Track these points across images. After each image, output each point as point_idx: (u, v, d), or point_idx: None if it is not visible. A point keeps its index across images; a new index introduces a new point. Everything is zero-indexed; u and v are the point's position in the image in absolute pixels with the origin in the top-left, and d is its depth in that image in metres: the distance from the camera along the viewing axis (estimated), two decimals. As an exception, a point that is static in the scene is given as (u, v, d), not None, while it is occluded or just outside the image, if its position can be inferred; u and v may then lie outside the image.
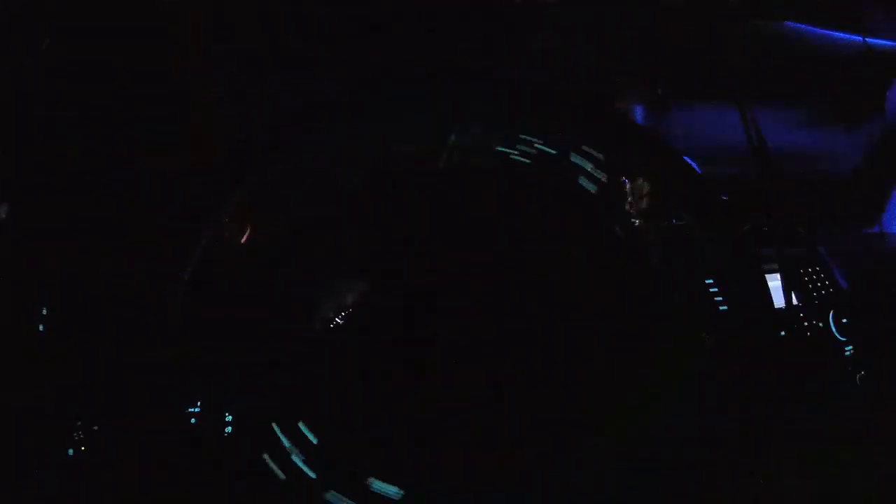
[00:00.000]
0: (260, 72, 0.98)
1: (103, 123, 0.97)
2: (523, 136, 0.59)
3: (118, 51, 0.95)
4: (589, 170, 0.60)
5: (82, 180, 0.93)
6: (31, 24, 0.91)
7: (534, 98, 0.54)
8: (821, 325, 0.95)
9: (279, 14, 0.94)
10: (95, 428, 0.76)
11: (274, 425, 0.58)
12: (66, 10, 0.92)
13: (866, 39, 1.16)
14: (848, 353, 0.97)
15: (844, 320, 0.96)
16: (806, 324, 0.94)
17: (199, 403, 0.67)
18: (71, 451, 0.75)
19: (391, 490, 0.52)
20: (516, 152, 0.61)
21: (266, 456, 0.58)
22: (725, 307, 0.81)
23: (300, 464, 0.56)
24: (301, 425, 0.54)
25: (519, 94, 0.54)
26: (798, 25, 1.09)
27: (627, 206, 0.86)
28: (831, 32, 1.15)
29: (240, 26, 0.98)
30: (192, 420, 0.67)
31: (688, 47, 0.99)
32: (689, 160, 0.97)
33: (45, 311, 0.81)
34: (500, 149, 0.64)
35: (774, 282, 0.92)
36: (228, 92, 0.97)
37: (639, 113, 1.02)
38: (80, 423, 0.76)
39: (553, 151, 0.61)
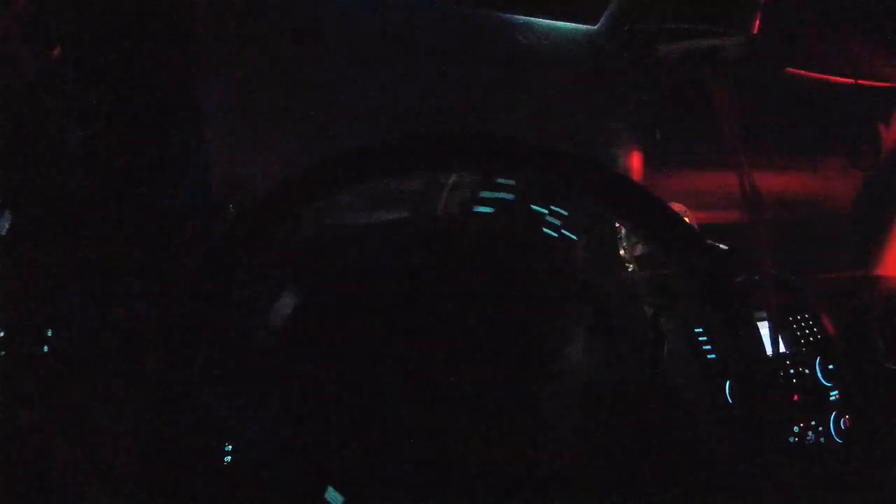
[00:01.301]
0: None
1: (112, 135, 0.97)
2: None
3: (126, 60, 0.96)
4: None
5: (91, 195, 0.94)
6: (41, 33, 0.92)
7: (522, 157, 0.56)
8: (807, 371, 0.97)
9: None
10: (99, 447, 0.77)
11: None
12: (76, 20, 0.93)
13: (860, 82, 1.18)
14: (833, 397, 0.99)
15: (831, 366, 0.98)
16: (792, 371, 0.96)
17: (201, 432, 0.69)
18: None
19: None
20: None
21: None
22: (713, 355, 0.83)
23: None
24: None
25: (505, 153, 0.56)
26: (795, 71, 1.11)
27: (623, 253, 0.88)
28: (828, 76, 1.17)
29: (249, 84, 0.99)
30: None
31: (685, 94, 1.01)
32: (678, 211, 0.99)
33: (50, 333, 0.83)
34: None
35: (763, 329, 0.94)
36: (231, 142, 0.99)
37: (635, 158, 1.04)
38: (83, 441, 0.77)
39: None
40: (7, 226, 0.89)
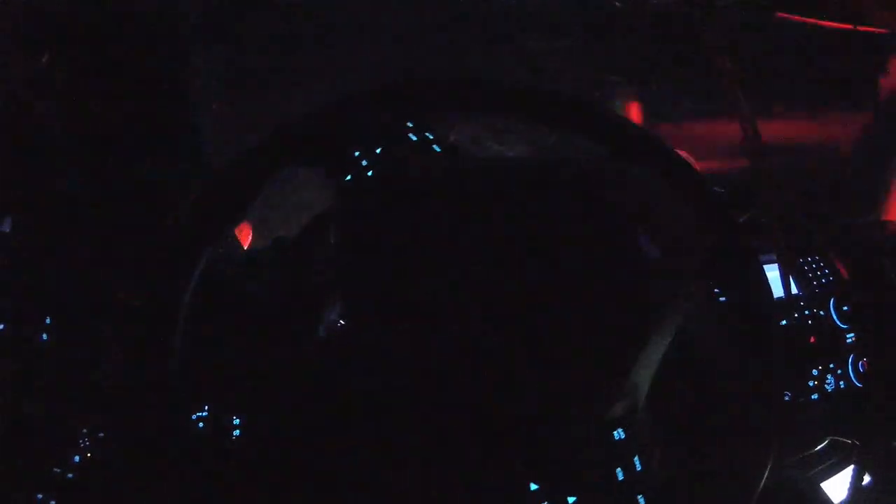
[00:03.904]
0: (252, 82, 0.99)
1: (103, 134, 0.97)
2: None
3: (116, 64, 0.96)
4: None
5: (85, 191, 0.94)
6: (31, 39, 0.92)
7: (526, 101, 0.55)
8: (822, 313, 0.95)
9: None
10: (101, 434, 0.76)
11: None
12: (65, 25, 0.93)
13: (856, 27, 1.17)
14: (850, 339, 0.97)
15: (846, 308, 0.96)
16: (807, 312, 0.94)
17: (206, 408, 0.67)
18: (77, 458, 0.76)
19: None
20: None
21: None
22: (724, 298, 0.81)
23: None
24: None
25: (510, 98, 0.54)
26: (789, 15, 1.09)
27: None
28: (822, 21, 1.16)
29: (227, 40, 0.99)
30: (200, 425, 0.67)
31: (679, 43, 1.00)
32: (682, 154, 0.97)
33: (48, 321, 0.82)
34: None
35: (774, 272, 0.93)
36: (221, 102, 0.98)
37: (632, 108, 1.02)
38: (85, 430, 0.76)
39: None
40: (9, 226, 0.89)
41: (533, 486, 0.51)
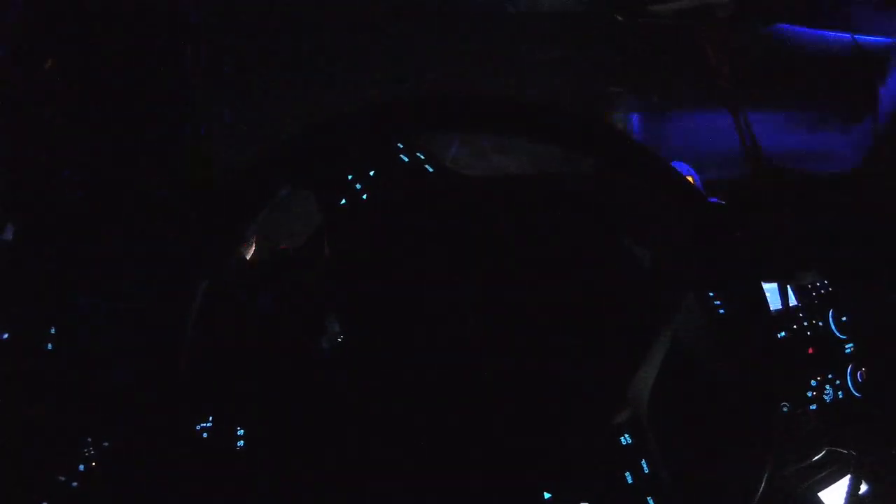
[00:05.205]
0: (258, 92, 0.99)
1: (105, 139, 0.97)
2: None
3: (119, 70, 0.96)
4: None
5: (88, 197, 0.94)
6: (34, 44, 0.92)
7: (524, 118, 0.55)
8: (820, 324, 0.96)
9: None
10: (105, 443, 0.76)
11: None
12: (69, 29, 0.93)
13: (855, 37, 1.17)
14: (848, 350, 0.98)
15: (844, 318, 0.97)
16: (806, 323, 0.95)
17: (210, 419, 0.68)
18: (82, 467, 0.76)
19: None
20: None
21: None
22: (723, 311, 0.82)
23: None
24: None
25: (507, 114, 0.55)
26: (789, 27, 1.10)
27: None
28: (822, 32, 1.16)
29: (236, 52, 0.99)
30: (204, 435, 0.68)
31: (679, 54, 1.00)
32: (681, 167, 0.98)
33: (53, 330, 0.82)
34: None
35: (772, 284, 0.93)
36: (227, 114, 0.98)
37: (634, 121, 1.03)
38: (89, 439, 0.77)
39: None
40: (11, 232, 0.89)
41: (546, 495, 0.52)
